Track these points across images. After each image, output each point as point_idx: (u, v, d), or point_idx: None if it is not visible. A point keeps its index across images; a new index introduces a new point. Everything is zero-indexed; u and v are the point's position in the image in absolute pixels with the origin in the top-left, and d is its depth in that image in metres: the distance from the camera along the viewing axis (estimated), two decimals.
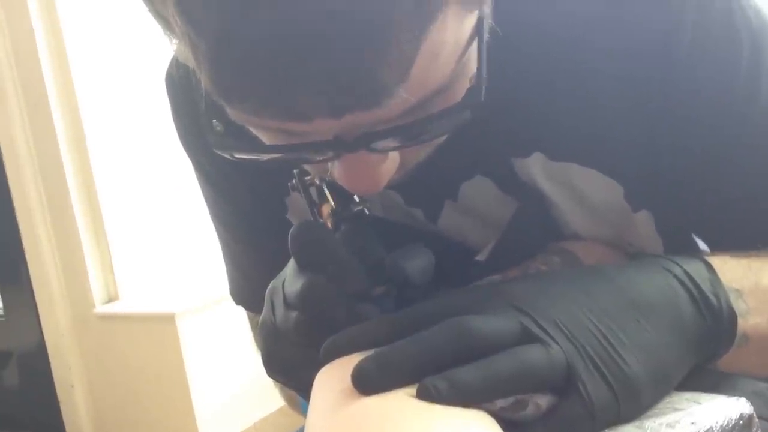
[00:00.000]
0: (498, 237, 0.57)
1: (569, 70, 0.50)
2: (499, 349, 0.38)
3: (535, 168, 0.53)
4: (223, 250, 0.73)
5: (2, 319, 2.17)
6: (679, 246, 0.51)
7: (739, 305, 0.44)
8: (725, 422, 0.38)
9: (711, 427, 0.38)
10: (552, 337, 0.39)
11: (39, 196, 1.99)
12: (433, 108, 0.40)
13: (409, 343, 0.39)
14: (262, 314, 0.54)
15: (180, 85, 0.63)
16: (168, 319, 1.90)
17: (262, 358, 0.54)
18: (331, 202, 0.53)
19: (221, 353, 1.99)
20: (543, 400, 0.38)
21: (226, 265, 0.73)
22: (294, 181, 0.54)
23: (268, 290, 0.54)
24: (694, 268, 0.44)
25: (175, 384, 1.93)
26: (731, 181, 0.50)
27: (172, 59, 0.64)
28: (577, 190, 0.53)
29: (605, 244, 0.56)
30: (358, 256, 0.49)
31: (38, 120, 1.94)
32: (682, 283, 0.43)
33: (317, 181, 0.53)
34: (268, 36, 0.34)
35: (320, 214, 0.54)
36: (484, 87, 0.40)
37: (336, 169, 0.43)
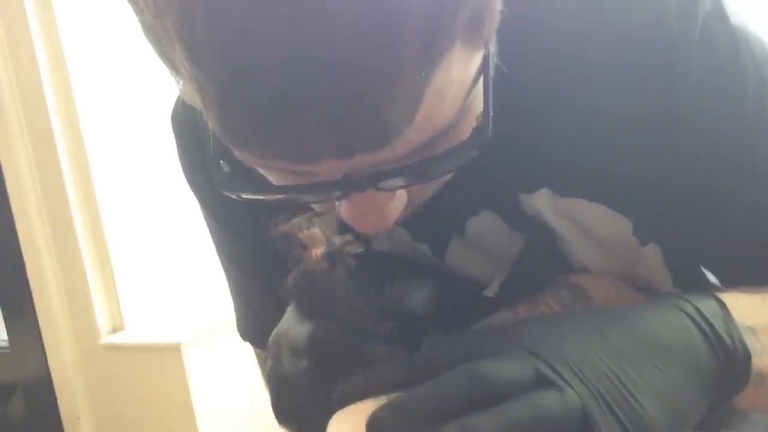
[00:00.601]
0: (506, 272, 0.57)
1: (575, 107, 0.49)
2: (514, 395, 0.38)
3: (542, 203, 0.52)
4: (230, 286, 0.73)
5: (7, 350, 2.16)
6: (688, 280, 0.51)
7: (753, 344, 0.44)
8: None
9: None
10: (566, 381, 0.38)
11: (43, 226, 1.99)
12: (440, 146, 0.40)
13: (424, 390, 0.39)
14: (268, 365, 0.54)
15: (186, 125, 0.64)
16: (174, 349, 1.89)
17: (272, 406, 0.54)
18: (333, 240, 0.53)
19: (227, 383, 1.98)
20: None
21: (234, 301, 0.73)
22: (277, 228, 0.55)
23: (270, 340, 0.54)
24: (707, 306, 0.44)
25: (181, 414, 1.92)
26: (739, 214, 0.50)
27: (178, 99, 0.65)
28: (585, 225, 0.52)
29: (614, 277, 0.55)
30: (359, 296, 0.49)
31: (43, 152, 1.95)
32: (695, 322, 0.42)
33: (306, 224, 0.53)
34: (277, 80, 0.34)
35: (309, 257, 0.54)
36: (490, 125, 0.40)
37: (344, 209, 0.43)
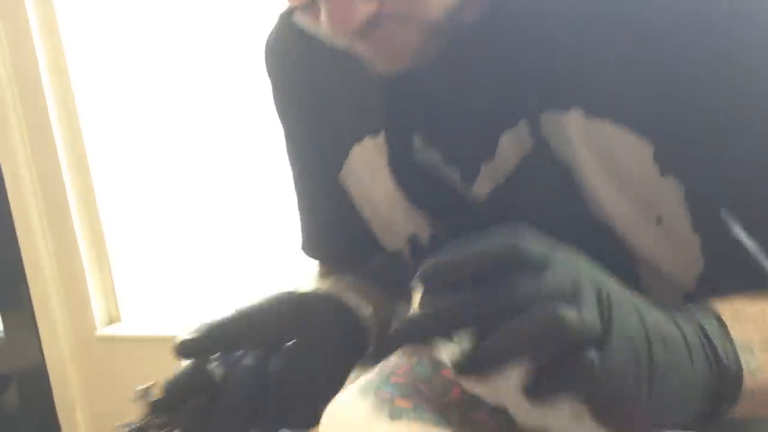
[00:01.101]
0: (505, 178, 0.57)
1: (608, 27, 0.50)
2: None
3: (573, 128, 0.52)
4: (299, 204, 0.80)
5: (2, 341, 2.16)
6: (708, 223, 0.50)
7: (749, 363, 0.43)
8: None
9: None
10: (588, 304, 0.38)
11: (40, 218, 1.99)
12: None
13: (454, 304, 0.39)
14: None
15: (279, 52, 0.71)
16: (170, 341, 1.89)
17: None
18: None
19: None
20: None
21: (300, 219, 0.80)
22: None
23: None
24: (709, 324, 0.43)
25: None
26: (760, 149, 0.49)
27: (270, 34, 0.71)
28: (609, 154, 0.52)
29: None
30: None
31: (40, 144, 1.94)
32: (698, 336, 0.42)
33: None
34: None
35: None
36: None
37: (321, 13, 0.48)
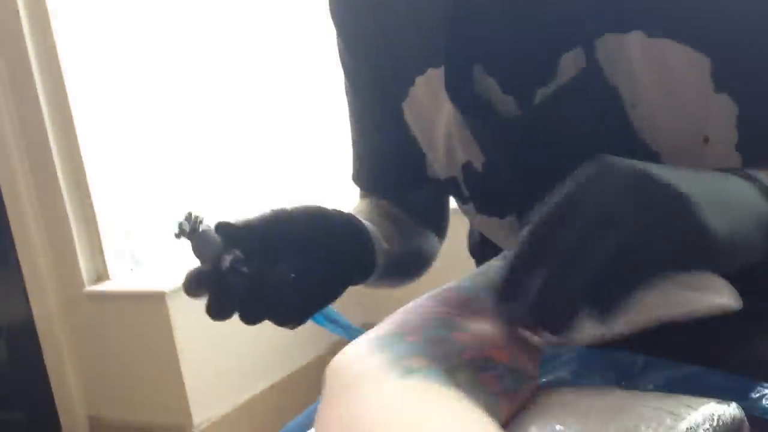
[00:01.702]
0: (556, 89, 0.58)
1: None
2: None
3: (633, 49, 0.54)
4: (355, 138, 0.83)
5: None
6: (753, 143, 0.52)
7: None
8: (718, 426, 0.40)
9: (706, 430, 0.39)
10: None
11: (25, 175, 1.98)
12: None
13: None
14: None
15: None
16: (158, 298, 1.91)
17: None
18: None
19: (212, 332, 2.00)
20: None
21: (354, 152, 0.83)
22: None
23: None
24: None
25: (166, 362, 1.95)
26: None
27: None
28: (667, 71, 0.54)
29: None
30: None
31: (24, 101, 1.93)
32: (760, 188, 0.45)
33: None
34: None
35: None
36: None
37: None
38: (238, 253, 0.59)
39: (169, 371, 1.95)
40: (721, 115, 0.53)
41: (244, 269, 0.58)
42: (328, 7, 0.76)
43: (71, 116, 1.92)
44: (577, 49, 0.56)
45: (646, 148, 0.55)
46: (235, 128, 2.31)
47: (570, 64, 0.56)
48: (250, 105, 2.33)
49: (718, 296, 0.41)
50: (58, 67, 1.90)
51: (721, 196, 0.42)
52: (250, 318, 0.61)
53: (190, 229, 0.60)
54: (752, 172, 0.46)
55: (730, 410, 0.41)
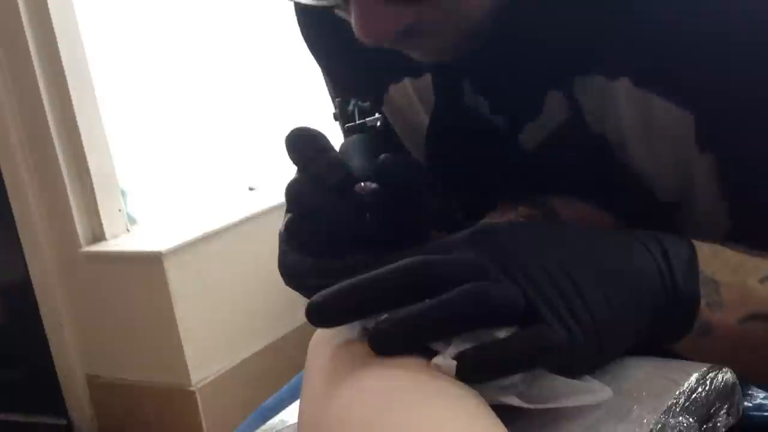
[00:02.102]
0: (549, 133, 0.57)
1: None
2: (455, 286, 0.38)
3: (620, 92, 0.52)
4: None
5: None
6: (739, 192, 0.51)
7: (709, 294, 0.44)
8: (710, 390, 0.41)
9: (699, 394, 0.40)
10: (512, 277, 0.39)
11: (20, 136, 1.97)
12: None
13: (363, 279, 0.39)
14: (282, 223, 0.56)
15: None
16: (155, 258, 1.92)
17: (278, 263, 0.56)
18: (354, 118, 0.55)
19: (208, 291, 2.02)
20: (502, 333, 0.38)
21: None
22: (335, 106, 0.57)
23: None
24: (674, 246, 0.45)
25: (163, 322, 1.96)
26: None
27: None
28: (652, 124, 0.52)
29: (588, 204, 0.56)
30: (352, 163, 0.51)
31: (18, 64, 1.91)
32: (654, 258, 0.44)
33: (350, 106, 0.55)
34: None
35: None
36: None
37: (352, 14, 0.46)
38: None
39: (167, 331, 1.96)
40: (705, 168, 0.51)
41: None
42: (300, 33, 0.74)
43: (64, 76, 1.90)
44: (563, 88, 0.54)
45: (638, 185, 0.54)
46: (231, 83, 2.29)
47: (555, 102, 0.55)
48: (248, 64, 2.32)
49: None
50: (52, 29, 1.88)
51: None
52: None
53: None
54: (659, 236, 0.45)
55: (722, 374, 0.42)
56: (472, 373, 0.37)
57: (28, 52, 1.88)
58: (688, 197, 0.53)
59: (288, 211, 0.51)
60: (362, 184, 0.49)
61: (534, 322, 0.38)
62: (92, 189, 1.98)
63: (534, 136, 0.57)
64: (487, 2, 0.46)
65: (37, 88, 1.91)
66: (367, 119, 0.54)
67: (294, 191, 0.49)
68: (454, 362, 0.37)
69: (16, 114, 1.96)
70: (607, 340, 0.41)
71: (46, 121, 1.93)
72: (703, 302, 0.44)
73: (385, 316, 0.39)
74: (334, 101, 0.74)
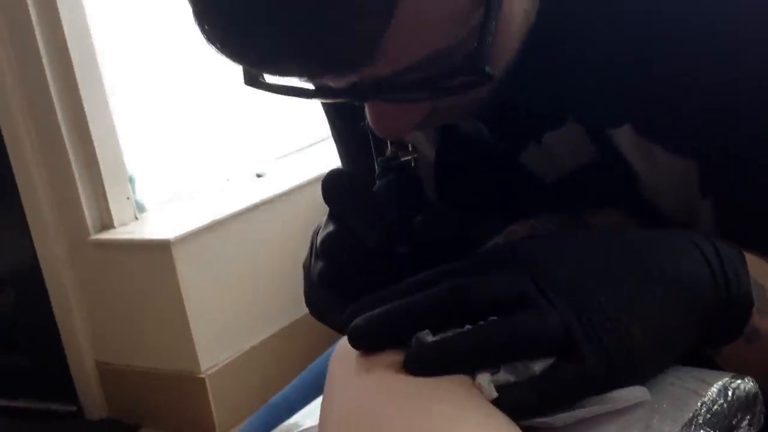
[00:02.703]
0: (571, 171, 0.56)
1: (664, 47, 0.48)
2: (496, 312, 0.38)
3: (624, 138, 0.52)
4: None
5: None
6: (733, 230, 0.50)
7: (759, 300, 0.43)
8: (732, 401, 0.40)
9: (720, 405, 0.39)
10: (552, 302, 0.38)
11: (27, 123, 1.97)
12: (450, 62, 0.41)
13: (404, 303, 0.40)
14: (306, 255, 0.56)
15: None
16: (163, 246, 1.92)
17: (304, 296, 0.57)
18: (388, 148, 0.54)
19: (216, 279, 2.02)
20: (538, 366, 0.38)
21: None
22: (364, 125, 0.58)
23: (312, 232, 0.56)
24: (726, 249, 0.43)
25: (172, 309, 1.96)
26: None
27: None
28: (656, 170, 0.52)
29: (621, 214, 0.55)
30: (390, 211, 0.51)
31: (24, 49, 1.90)
32: (707, 259, 0.42)
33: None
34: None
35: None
36: (487, 55, 0.39)
37: (367, 112, 0.45)
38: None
39: (176, 318, 1.96)
40: (706, 212, 0.51)
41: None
42: None
43: (72, 64, 1.90)
44: (566, 127, 0.54)
45: (653, 211, 0.54)
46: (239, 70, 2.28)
47: (560, 139, 0.54)
48: None
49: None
50: (59, 19, 1.87)
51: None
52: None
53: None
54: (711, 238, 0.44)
55: (744, 384, 0.41)
56: (510, 413, 0.37)
57: (36, 41, 1.88)
58: (695, 218, 0.53)
59: (320, 258, 0.51)
60: (400, 246, 0.50)
61: (572, 352, 0.38)
62: (101, 177, 1.98)
63: (535, 158, 0.57)
64: (496, 80, 0.45)
65: (45, 77, 1.90)
66: (401, 156, 0.53)
67: (330, 245, 0.49)
68: (495, 393, 0.37)
69: (24, 104, 1.95)
70: (650, 364, 0.40)
71: (54, 110, 1.92)
72: (753, 307, 0.43)
73: (426, 338, 0.39)
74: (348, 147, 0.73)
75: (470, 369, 0.38)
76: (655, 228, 0.50)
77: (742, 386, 0.41)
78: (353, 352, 0.41)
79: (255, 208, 2.09)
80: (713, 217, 0.51)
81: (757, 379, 0.41)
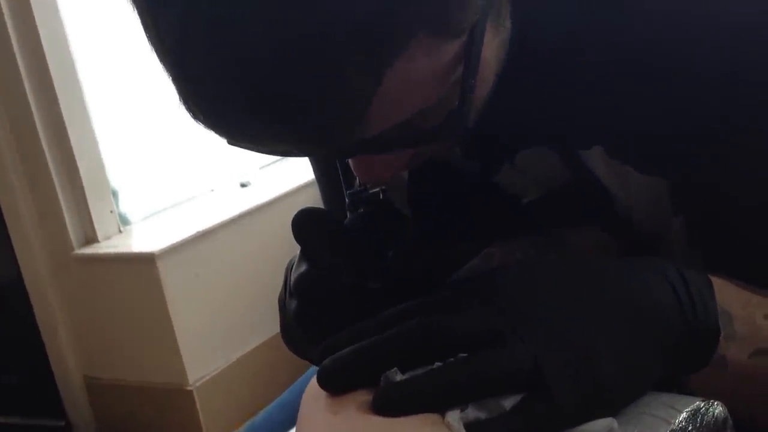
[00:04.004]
0: (547, 192, 0.57)
1: (627, 67, 0.49)
2: (466, 348, 0.38)
3: (595, 159, 0.52)
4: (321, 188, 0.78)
5: None
6: (706, 243, 0.51)
7: (726, 328, 0.43)
8: (701, 427, 0.40)
9: None
10: (521, 338, 0.38)
11: (7, 139, 1.95)
12: (431, 119, 0.41)
13: (373, 342, 0.40)
14: (281, 289, 0.56)
15: None
16: (148, 260, 1.91)
17: (280, 331, 0.57)
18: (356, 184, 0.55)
19: (202, 290, 2.01)
20: (508, 402, 0.38)
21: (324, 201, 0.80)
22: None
23: (286, 266, 0.55)
24: (694, 277, 0.43)
25: (158, 322, 1.95)
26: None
27: None
28: (628, 190, 0.53)
29: (599, 231, 0.56)
30: (361, 246, 0.50)
31: (2, 67, 1.89)
32: (674, 289, 0.42)
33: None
34: (213, 82, 0.37)
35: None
36: (467, 116, 0.40)
37: (351, 163, 0.46)
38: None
39: (163, 331, 1.95)
40: (677, 227, 0.52)
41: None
42: None
43: (51, 77, 1.88)
44: (536, 148, 0.54)
45: (627, 226, 0.54)
46: None
47: (532, 157, 0.55)
48: None
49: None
50: (36, 30, 1.85)
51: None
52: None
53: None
54: (678, 265, 0.44)
55: (713, 408, 0.41)
56: None
57: (14, 55, 1.86)
58: (667, 241, 0.53)
59: (293, 297, 0.51)
60: (373, 282, 0.50)
61: (542, 387, 0.38)
62: (83, 191, 1.97)
63: (510, 178, 0.57)
64: (475, 117, 0.45)
65: (24, 91, 1.88)
66: (369, 188, 0.54)
67: (303, 285, 0.49)
68: (464, 431, 0.37)
69: (4, 118, 1.94)
70: (620, 396, 0.40)
71: (35, 124, 1.91)
72: (721, 335, 0.43)
73: (394, 377, 0.39)
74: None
75: (439, 407, 0.37)
76: (624, 256, 0.50)
77: (711, 411, 0.40)
78: (323, 392, 0.40)
79: (240, 218, 2.08)
80: (685, 233, 0.51)
81: (726, 403, 0.41)
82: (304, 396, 0.43)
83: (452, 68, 0.40)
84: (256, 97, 0.36)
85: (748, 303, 0.46)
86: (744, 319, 0.44)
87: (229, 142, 0.42)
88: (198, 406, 1.98)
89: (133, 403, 2.08)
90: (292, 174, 2.27)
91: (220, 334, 2.05)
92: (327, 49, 0.34)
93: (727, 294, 0.45)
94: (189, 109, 0.40)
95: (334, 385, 0.39)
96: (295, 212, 0.51)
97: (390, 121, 0.39)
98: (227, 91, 0.36)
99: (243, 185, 2.28)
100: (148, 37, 0.38)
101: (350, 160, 0.45)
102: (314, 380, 0.42)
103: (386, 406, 0.37)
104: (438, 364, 0.38)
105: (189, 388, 1.98)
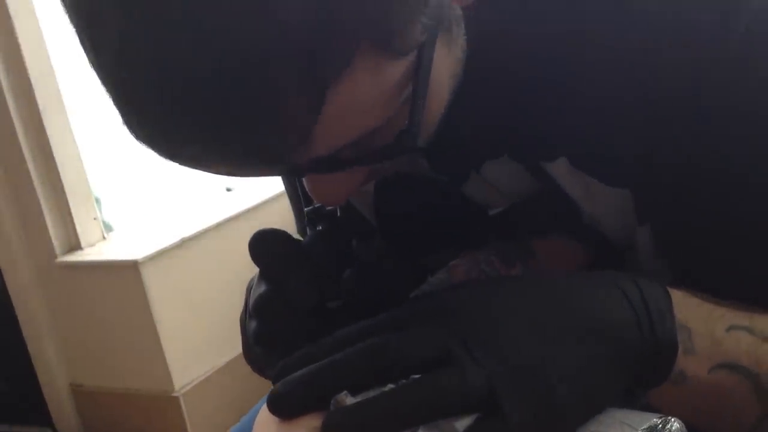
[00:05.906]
0: (515, 202, 0.57)
1: (598, 84, 0.48)
2: (418, 370, 0.38)
3: (559, 170, 0.52)
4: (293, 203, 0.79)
5: None
6: (672, 252, 0.51)
7: (684, 342, 0.43)
8: None
9: None
10: (474, 358, 0.38)
11: None
12: (382, 137, 0.40)
13: (323, 366, 0.39)
14: (243, 308, 0.56)
15: None
16: (131, 267, 1.90)
17: (242, 350, 0.57)
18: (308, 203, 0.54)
19: (187, 296, 2.00)
20: (461, 424, 0.38)
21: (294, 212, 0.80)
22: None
23: (247, 286, 0.55)
24: (652, 292, 0.43)
25: (143, 329, 1.94)
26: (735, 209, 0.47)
27: None
28: (593, 200, 0.53)
29: (566, 240, 0.56)
30: (319, 265, 0.50)
31: None
32: (632, 305, 0.42)
33: None
34: (156, 100, 0.36)
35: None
36: (417, 133, 0.39)
37: (305, 182, 0.45)
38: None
39: (148, 338, 1.95)
40: (643, 237, 0.52)
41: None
42: None
43: (31, 86, 1.87)
44: (503, 159, 0.54)
45: (595, 234, 0.54)
46: None
47: (500, 168, 0.55)
48: None
49: None
50: (16, 40, 1.84)
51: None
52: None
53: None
54: (637, 279, 0.44)
55: (670, 425, 0.40)
56: None
57: None
58: (634, 250, 0.53)
59: (252, 318, 0.50)
60: (331, 302, 0.50)
61: (496, 407, 0.37)
62: (66, 198, 1.96)
63: (478, 188, 0.57)
64: (430, 135, 0.45)
65: (4, 98, 1.87)
66: (326, 205, 0.54)
67: (261, 306, 0.49)
68: None
69: None
70: (575, 415, 0.40)
71: (16, 133, 1.90)
72: (679, 350, 0.43)
73: (345, 400, 0.38)
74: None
75: (390, 431, 0.37)
76: (593, 264, 0.51)
77: (668, 428, 0.40)
78: (275, 417, 0.40)
79: (225, 223, 2.07)
80: (651, 243, 0.51)
81: (686, 418, 0.41)
82: (257, 421, 0.43)
83: (401, 88, 0.39)
84: (196, 119, 0.35)
85: (709, 316, 0.45)
86: (704, 334, 0.44)
87: (174, 162, 0.42)
88: (184, 412, 1.97)
89: (119, 410, 2.07)
90: (277, 178, 2.26)
91: (206, 340, 2.04)
92: (265, 70, 0.33)
93: (687, 308, 0.45)
94: (131, 130, 0.39)
95: (283, 410, 0.39)
96: (252, 237, 0.50)
97: (338, 141, 0.38)
98: (166, 113, 0.36)
99: (228, 190, 2.28)
100: (87, 57, 0.38)
101: (306, 182, 0.45)
102: (266, 408, 0.42)
103: (335, 431, 0.37)
104: (391, 386, 0.38)
105: (175, 394, 1.97)
